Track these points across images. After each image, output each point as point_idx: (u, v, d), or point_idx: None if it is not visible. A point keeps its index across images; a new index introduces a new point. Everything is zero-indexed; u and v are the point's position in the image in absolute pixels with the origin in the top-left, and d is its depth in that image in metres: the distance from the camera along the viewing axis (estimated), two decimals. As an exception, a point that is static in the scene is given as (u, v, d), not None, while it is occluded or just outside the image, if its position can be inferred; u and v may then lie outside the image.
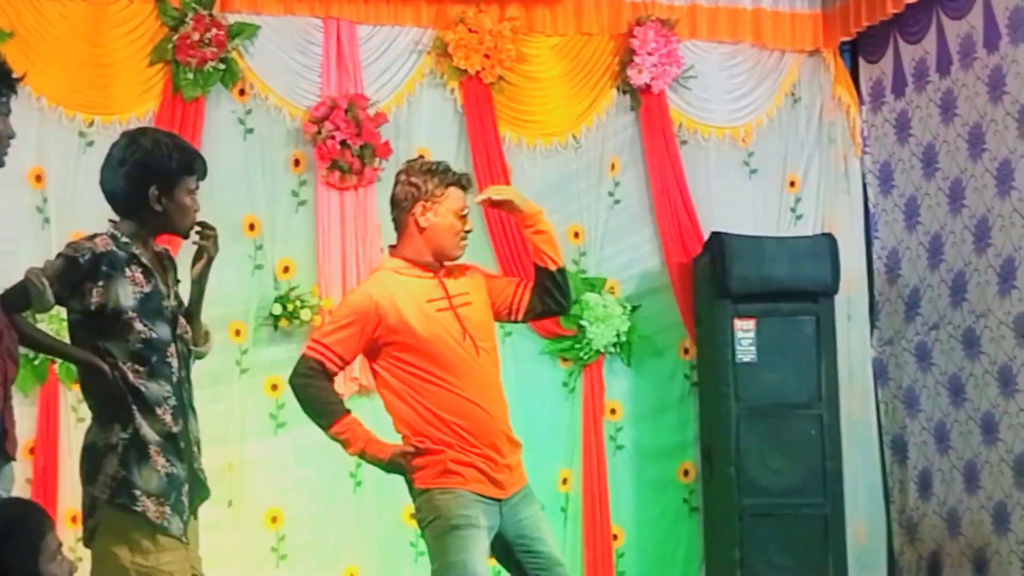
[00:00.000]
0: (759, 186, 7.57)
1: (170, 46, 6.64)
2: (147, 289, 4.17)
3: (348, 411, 4.73)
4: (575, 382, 7.14)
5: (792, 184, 7.62)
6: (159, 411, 4.13)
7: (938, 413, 7.18)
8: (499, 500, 4.69)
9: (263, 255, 6.78)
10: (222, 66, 6.69)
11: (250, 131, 6.84)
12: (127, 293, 4.12)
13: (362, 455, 4.72)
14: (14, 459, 3.93)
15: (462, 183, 4.82)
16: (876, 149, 7.69)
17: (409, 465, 4.63)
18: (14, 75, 3.81)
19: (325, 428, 4.74)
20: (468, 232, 4.81)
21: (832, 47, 7.70)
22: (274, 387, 6.68)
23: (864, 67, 7.79)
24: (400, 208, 4.83)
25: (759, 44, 7.62)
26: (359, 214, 6.83)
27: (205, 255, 4.37)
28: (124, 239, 4.19)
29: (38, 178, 6.43)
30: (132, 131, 4.50)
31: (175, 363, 4.20)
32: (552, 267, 4.84)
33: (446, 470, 4.64)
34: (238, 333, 6.66)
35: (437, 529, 4.65)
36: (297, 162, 6.88)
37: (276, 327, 6.70)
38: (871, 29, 7.51)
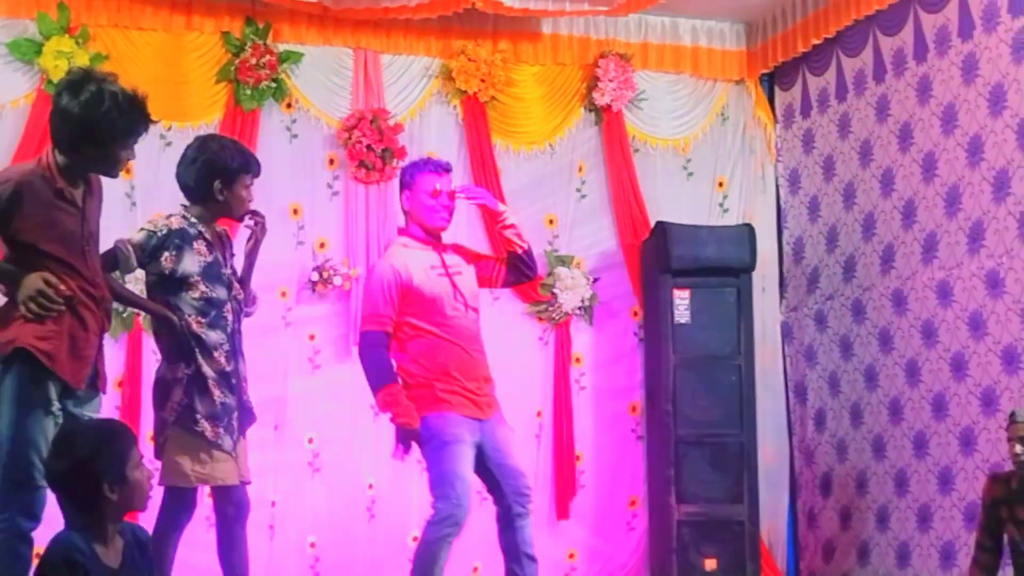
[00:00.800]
0: (695, 186, 7.54)
1: (232, 68, 6.60)
2: (209, 259, 4.20)
3: (396, 380, 4.75)
4: (549, 337, 7.13)
5: (720, 184, 7.60)
6: (216, 354, 4.15)
7: (831, 365, 7.19)
8: (481, 420, 4.77)
9: (304, 234, 6.74)
10: (273, 85, 6.66)
11: (295, 136, 6.80)
12: (193, 261, 4.16)
13: (396, 411, 4.70)
14: (104, 392, 3.94)
15: (430, 169, 4.93)
16: (787, 158, 7.68)
17: (417, 439, 4.69)
18: (151, 118, 3.82)
19: (373, 391, 4.77)
20: (445, 207, 4.87)
21: (754, 77, 7.67)
22: (311, 337, 6.67)
23: (779, 93, 7.77)
24: (399, 197, 5.01)
25: (696, 74, 7.59)
26: (380, 202, 6.81)
27: (255, 236, 4.39)
28: (193, 220, 4.24)
29: (127, 170, 6.26)
30: (203, 136, 4.54)
31: (230, 317, 4.23)
32: (519, 251, 4.99)
33: (436, 399, 4.72)
34: (284, 295, 6.64)
35: (432, 446, 4.71)
36: (332, 161, 6.85)
37: (314, 290, 6.67)
38: (785, 64, 7.50)
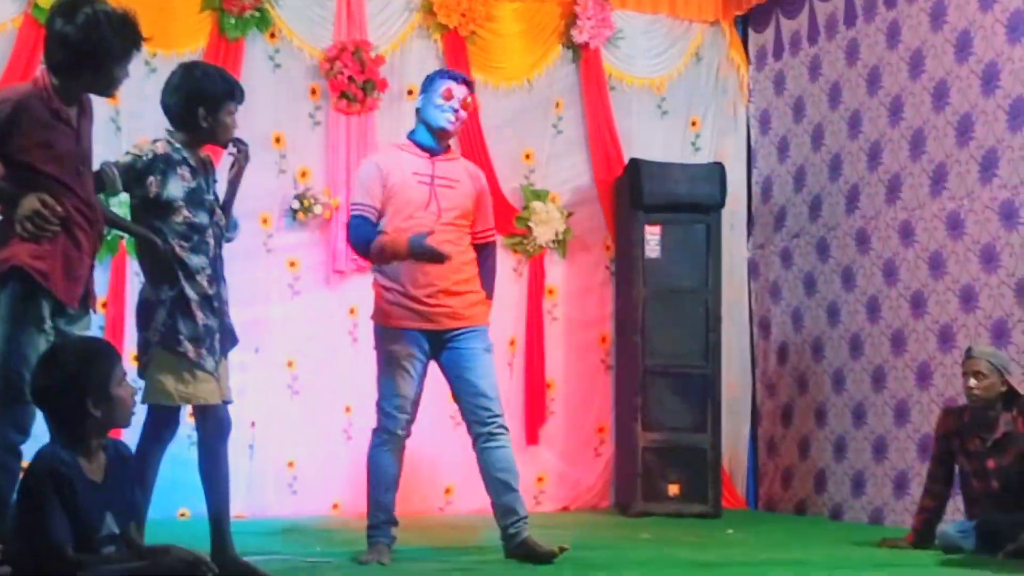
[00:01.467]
0: (668, 125, 7.52)
1: (217, -3, 6.52)
2: (192, 184, 4.16)
3: (376, 237, 4.68)
4: (523, 269, 7.13)
5: (694, 124, 7.58)
6: (198, 277, 4.13)
7: (795, 301, 7.23)
8: (435, 332, 4.68)
9: (286, 162, 6.69)
10: (258, 14, 6.58)
11: (278, 66, 6.73)
12: (177, 186, 4.12)
13: (386, 251, 4.61)
14: (95, 311, 3.92)
15: (450, 76, 4.87)
16: (758, 100, 7.65)
17: (429, 248, 4.51)
18: (144, 37, 3.78)
19: (363, 256, 4.87)
20: (454, 110, 4.75)
21: (729, 19, 7.63)
22: (292, 264, 6.65)
23: (752, 36, 7.73)
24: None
25: (673, 15, 7.54)
26: (361, 133, 6.76)
27: (238, 164, 4.34)
28: (177, 145, 4.19)
29: (113, 96, 6.33)
30: (187, 63, 4.47)
31: (211, 242, 4.19)
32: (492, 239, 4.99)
33: (380, 310, 4.74)
34: (265, 222, 6.61)
35: (377, 357, 4.78)
36: (314, 91, 6.78)
37: (295, 218, 6.64)
38: (759, 6, 7.47)
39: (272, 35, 6.69)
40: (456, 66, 6.93)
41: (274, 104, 6.66)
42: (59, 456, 3.03)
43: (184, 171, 4.16)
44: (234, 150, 4.33)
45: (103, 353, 3.19)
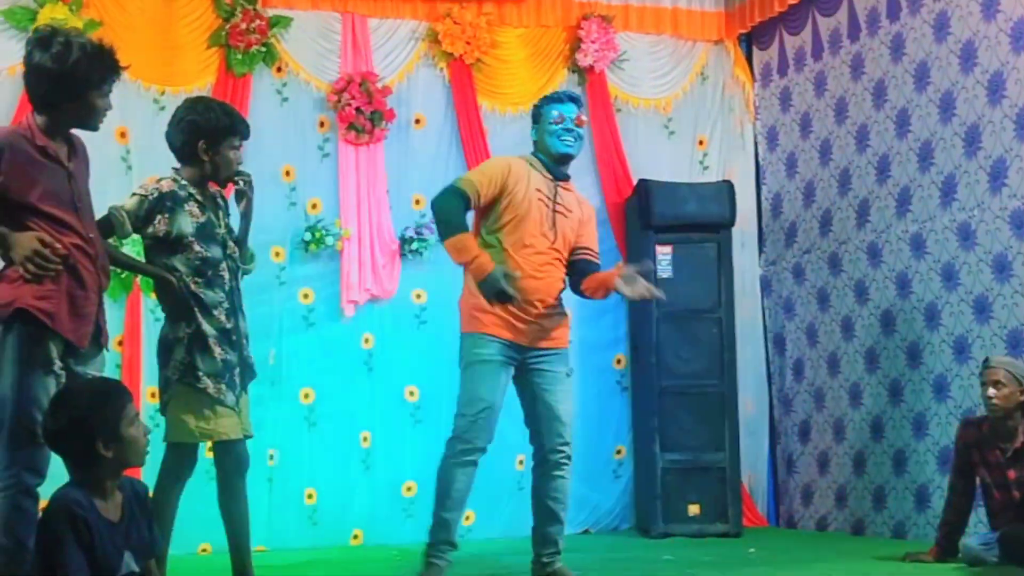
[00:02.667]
0: (676, 144, 7.51)
1: (224, 33, 6.53)
2: (202, 219, 4.15)
3: (467, 230, 4.57)
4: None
5: (701, 143, 7.57)
6: (215, 312, 4.12)
7: (808, 316, 7.19)
8: (522, 347, 4.58)
9: (296, 195, 6.69)
10: (264, 49, 6.59)
11: (286, 100, 6.74)
12: (186, 222, 4.11)
13: (469, 263, 4.48)
14: (107, 349, 3.91)
15: (555, 98, 4.82)
16: (765, 116, 7.64)
17: (513, 287, 4.38)
18: (121, 64, 3.77)
19: (443, 238, 4.59)
20: (568, 131, 4.72)
21: (732, 38, 7.62)
22: (305, 295, 6.64)
23: (757, 53, 7.72)
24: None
25: (677, 35, 7.54)
26: (370, 164, 6.76)
27: (245, 195, 4.33)
28: (183, 182, 4.20)
29: (122, 134, 6.35)
30: (192, 98, 4.46)
31: (227, 276, 4.19)
32: (589, 295, 4.85)
33: (472, 317, 4.60)
34: (277, 255, 6.60)
35: (461, 367, 4.63)
36: (322, 124, 6.79)
37: (306, 250, 6.63)
38: (762, 24, 7.44)
39: (279, 69, 6.70)
40: (462, 94, 6.96)
41: (283, 137, 6.68)
42: (74, 497, 3.01)
43: (192, 207, 4.16)
44: (239, 182, 4.32)
45: (113, 394, 3.17)
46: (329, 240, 6.60)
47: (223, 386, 4.11)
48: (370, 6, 6.87)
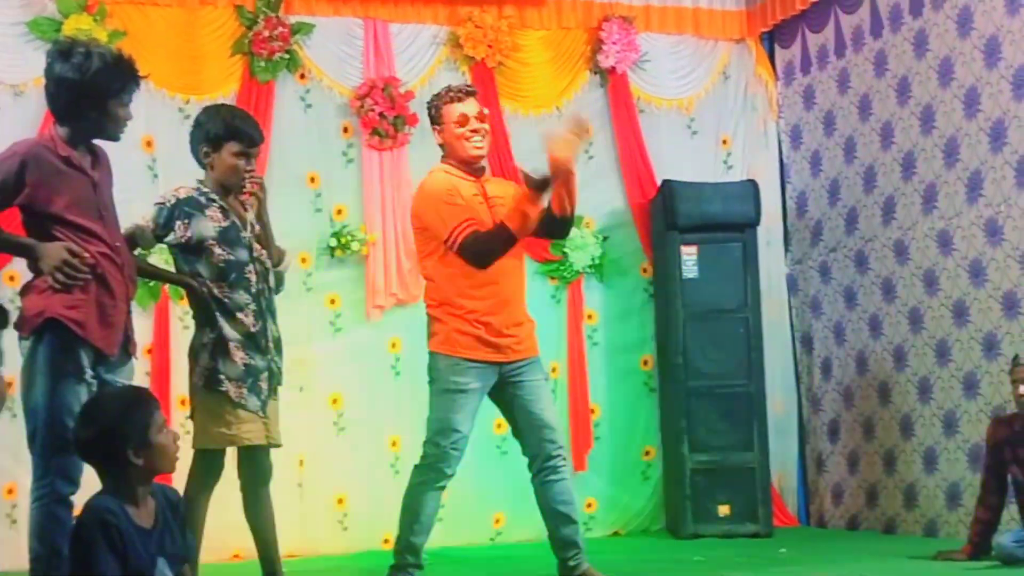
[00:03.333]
0: (699, 144, 7.49)
1: (247, 41, 6.55)
2: (225, 224, 4.18)
3: (502, 222, 4.38)
4: (561, 295, 7.11)
5: (724, 142, 7.55)
6: (240, 315, 4.13)
7: (836, 315, 7.16)
8: (501, 364, 4.50)
9: (321, 201, 6.71)
10: (287, 56, 6.61)
11: (309, 106, 6.76)
12: (207, 227, 4.14)
13: (522, 211, 4.31)
14: (136, 357, 3.93)
15: (451, 96, 4.59)
16: (788, 115, 7.61)
17: (543, 181, 4.25)
18: (141, 75, 3.81)
19: (512, 242, 4.40)
20: (475, 132, 4.54)
21: (754, 36, 7.59)
22: (332, 301, 6.66)
23: (779, 52, 7.69)
24: (433, 133, 4.68)
25: (698, 35, 7.52)
26: (394, 169, 6.77)
27: (257, 198, 4.31)
28: (205, 188, 4.21)
29: (148, 143, 6.38)
30: (208, 105, 4.47)
31: (254, 279, 4.20)
32: (566, 214, 4.60)
33: (449, 337, 4.49)
34: (304, 260, 6.62)
35: (434, 388, 4.55)
36: (346, 129, 6.81)
37: (332, 256, 6.65)
38: (784, 22, 7.41)
39: (302, 76, 6.72)
40: (485, 97, 6.93)
41: (307, 144, 6.70)
42: (106, 505, 3.03)
43: (214, 211, 4.17)
44: (248, 186, 4.29)
45: (141, 402, 3.19)
46: (355, 245, 6.62)
47: (245, 390, 4.12)
48: (391, 11, 6.89)
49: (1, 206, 3.67)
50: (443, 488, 4.60)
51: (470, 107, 4.61)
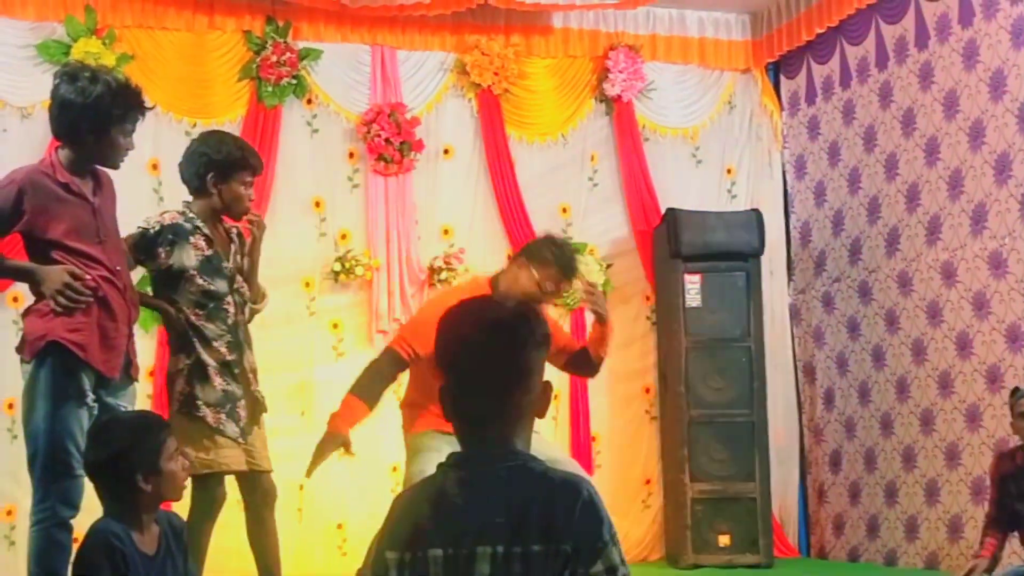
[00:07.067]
0: (704, 173, 7.51)
1: (254, 66, 6.59)
2: (208, 253, 4.14)
3: (371, 407, 4.50)
4: (564, 323, 7.09)
5: (729, 171, 7.57)
6: (216, 344, 4.09)
7: (839, 345, 7.16)
8: None
9: (326, 225, 6.73)
10: (294, 81, 6.65)
11: (316, 131, 6.79)
12: (189, 256, 4.10)
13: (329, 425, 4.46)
14: (137, 380, 3.93)
15: (564, 272, 4.53)
16: (793, 145, 7.63)
17: (327, 449, 4.39)
18: (146, 104, 3.80)
19: (349, 391, 4.53)
20: (549, 302, 4.59)
21: (760, 67, 7.63)
22: (335, 325, 6.66)
23: (784, 82, 7.72)
24: (519, 255, 4.63)
25: (704, 65, 7.56)
26: (399, 194, 6.80)
27: (253, 235, 4.30)
28: (191, 215, 4.17)
29: (154, 166, 6.39)
30: (205, 132, 4.43)
31: (231, 310, 4.17)
32: (599, 359, 4.74)
33: (420, 419, 4.51)
34: (308, 285, 6.63)
35: (408, 457, 4.55)
36: (352, 154, 6.83)
37: (336, 280, 6.66)
38: (790, 53, 7.45)
39: (309, 101, 6.75)
40: (490, 124, 6.98)
41: (313, 168, 6.72)
42: (112, 530, 3.02)
43: (198, 240, 4.13)
44: (251, 222, 4.28)
45: (154, 428, 3.18)
46: (359, 270, 6.62)
47: (223, 416, 4.09)
48: (399, 38, 6.92)
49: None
50: None
51: (562, 288, 4.62)
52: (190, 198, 4.27)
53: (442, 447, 4.41)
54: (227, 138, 4.35)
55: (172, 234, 4.10)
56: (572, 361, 4.74)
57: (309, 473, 4.36)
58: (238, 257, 4.27)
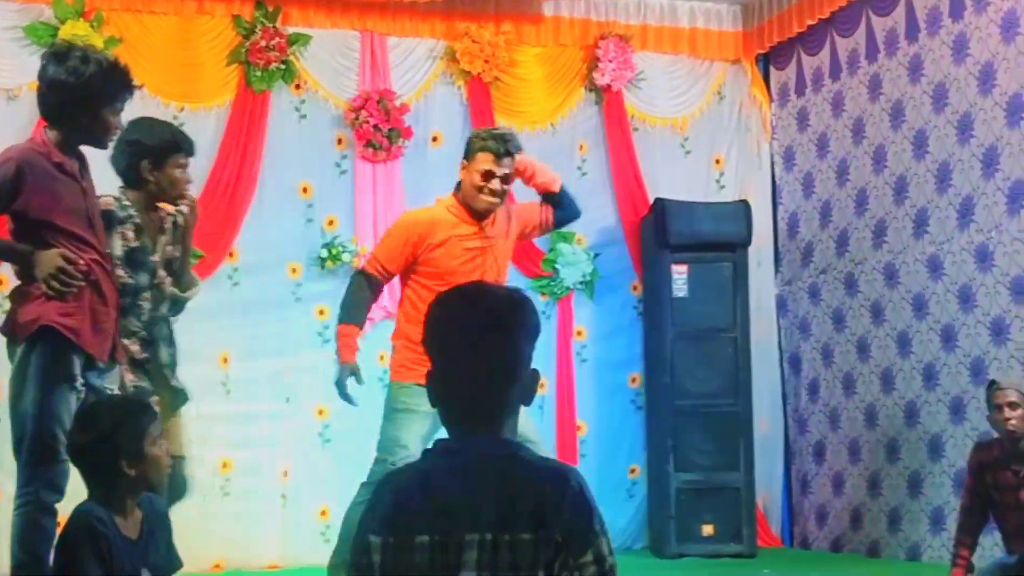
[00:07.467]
0: (692, 163, 7.52)
1: (243, 51, 6.57)
2: (134, 244, 4.09)
3: (360, 325, 4.67)
4: (551, 311, 7.12)
5: (717, 162, 7.58)
6: (127, 342, 4.04)
7: (824, 337, 7.18)
8: None
9: (313, 212, 6.72)
10: (283, 67, 6.63)
11: (304, 117, 6.78)
12: (115, 245, 4.05)
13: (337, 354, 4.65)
14: (121, 363, 3.92)
15: (490, 148, 4.58)
16: (782, 136, 7.64)
17: (344, 379, 4.60)
18: (135, 83, 3.79)
19: (338, 322, 4.71)
20: (494, 190, 4.56)
21: (750, 58, 7.63)
22: (321, 312, 6.65)
23: (774, 73, 7.73)
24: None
25: (694, 55, 7.56)
26: (387, 181, 6.80)
27: (186, 220, 4.23)
28: (125, 202, 4.11)
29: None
30: (133, 120, 4.22)
31: (146, 306, 4.11)
32: (556, 188, 4.85)
33: (402, 367, 4.58)
34: (294, 271, 6.63)
35: (385, 411, 4.64)
36: (340, 141, 6.82)
37: (323, 267, 6.66)
38: (780, 44, 7.45)
39: (297, 86, 6.74)
40: (480, 112, 6.97)
41: (300, 154, 6.71)
42: (95, 513, 3.03)
43: (127, 230, 4.07)
44: (183, 204, 4.22)
45: (138, 412, 3.19)
46: (346, 257, 6.62)
47: None
48: (389, 25, 6.91)
49: None
50: None
51: (502, 168, 4.60)
52: None
53: (421, 406, 4.42)
54: (157, 123, 4.29)
55: (104, 221, 4.03)
56: (545, 221, 4.89)
57: (350, 402, 4.63)
58: (169, 247, 4.21)
